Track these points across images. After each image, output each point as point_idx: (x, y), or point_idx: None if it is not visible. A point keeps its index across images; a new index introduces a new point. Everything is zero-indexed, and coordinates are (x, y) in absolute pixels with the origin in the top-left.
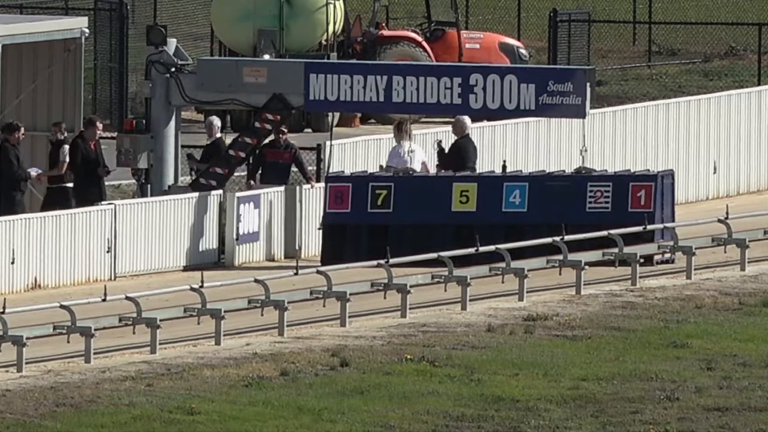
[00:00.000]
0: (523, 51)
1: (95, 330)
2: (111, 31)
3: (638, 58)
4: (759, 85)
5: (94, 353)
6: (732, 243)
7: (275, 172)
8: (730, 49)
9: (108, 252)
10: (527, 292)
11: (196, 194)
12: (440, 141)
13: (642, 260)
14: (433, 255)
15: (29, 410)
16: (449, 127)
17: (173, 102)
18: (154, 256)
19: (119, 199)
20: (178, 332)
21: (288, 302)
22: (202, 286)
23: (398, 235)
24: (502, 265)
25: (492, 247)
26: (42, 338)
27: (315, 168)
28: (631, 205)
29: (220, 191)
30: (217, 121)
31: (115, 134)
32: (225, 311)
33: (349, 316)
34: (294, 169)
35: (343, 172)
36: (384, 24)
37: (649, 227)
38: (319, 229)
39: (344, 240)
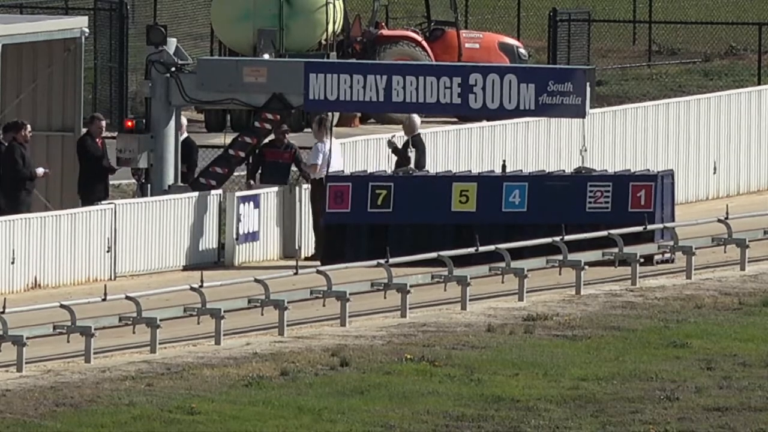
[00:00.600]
0: (522, 51)
1: (95, 330)
2: (111, 30)
3: (638, 58)
4: (759, 84)
5: (94, 353)
6: (732, 243)
7: (275, 171)
8: (730, 48)
9: (108, 252)
10: (527, 292)
11: (196, 194)
12: (392, 138)
13: (642, 260)
14: (432, 255)
15: (29, 410)
16: (449, 127)
17: (173, 102)
18: (154, 255)
19: (119, 199)
20: (178, 332)
21: (288, 302)
22: (201, 286)
23: (398, 234)
24: (502, 264)
25: (492, 247)
26: (42, 338)
27: None
28: (631, 205)
29: (220, 191)
30: (183, 120)
31: (115, 134)
32: (225, 311)
33: (349, 316)
34: (294, 168)
35: (342, 171)
36: (383, 24)
37: (649, 227)
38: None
39: (344, 240)
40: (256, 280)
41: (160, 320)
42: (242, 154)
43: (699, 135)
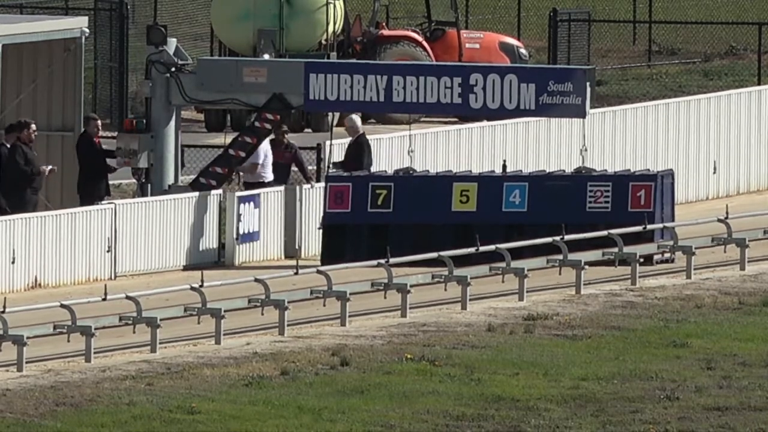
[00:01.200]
0: (523, 51)
1: (95, 329)
2: (111, 30)
3: (638, 58)
4: (759, 84)
5: (95, 352)
6: (732, 243)
7: (275, 171)
8: (730, 48)
9: (108, 251)
10: (527, 291)
11: (196, 194)
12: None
13: (642, 260)
14: (433, 255)
15: (29, 409)
16: (449, 127)
17: (173, 101)
18: (154, 255)
19: (119, 199)
20: (179, 331)
21: (288, 302)
22: (202, 286)
23: (398, 234)
24: (502, 264)
25: (492, 247)
26: (42, 337)
27: (315, 168)
28: (631, 205)
29: (220, 191)
30: (358, 120)
31: (115, 134)
32: (225, 311)
33: (350, 316)
34: (294, 168)
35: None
36: (384, 24)
37: (649, 227)
38: (319, 228)
39: (344, 240)
40: (257, 280)
41: (161, 320)
42: (242, 154)
43: (699, 135)
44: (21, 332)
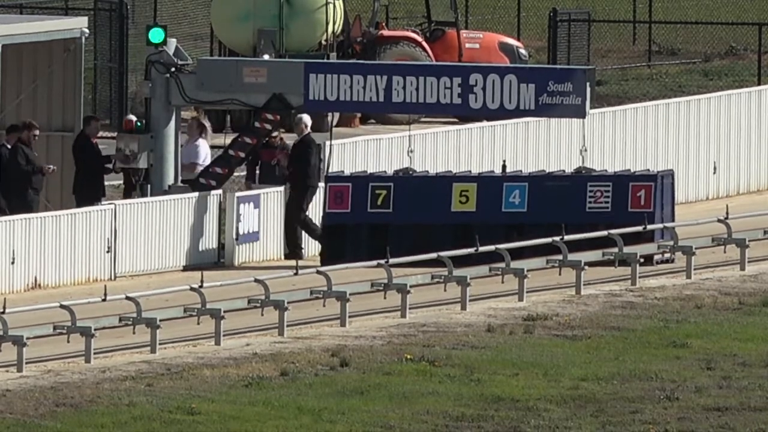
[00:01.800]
0: (522, 51)
1: (95, 330)
2: (111, 31)
3: (638, 58)
4: (759, 84)
5: (94, 353)
6: (732, 243)
7: (271, 172)
8: (730, 48)
9: (108, 252)
10: (527, 292)
11: (196, 194)
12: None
13: (642, 260)
14: (432, 255)
15: (29, 410)
16: (449, 127)
17: (173, 102)
18: (154, 256)
19: (119, 199)
20: (178, 332)
21: (288, 302)
22: (201, 286)
23: (398, 235)
24: (502, 265)
25: (492, 247)
26: (42, 338)
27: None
28: (631, 205)
29: (220, 191)
30: (307, 119)
31: (114, 134)
32: (225, 311)
33: (349, 316)
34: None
35: (342, 172)
36: (384, 24)
37: (649, 227)
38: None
39: (344, 240)
40: (256, 281)
41: (160, 320)
42: (242, 155)
43: (699, 135)
44: (21, 333)
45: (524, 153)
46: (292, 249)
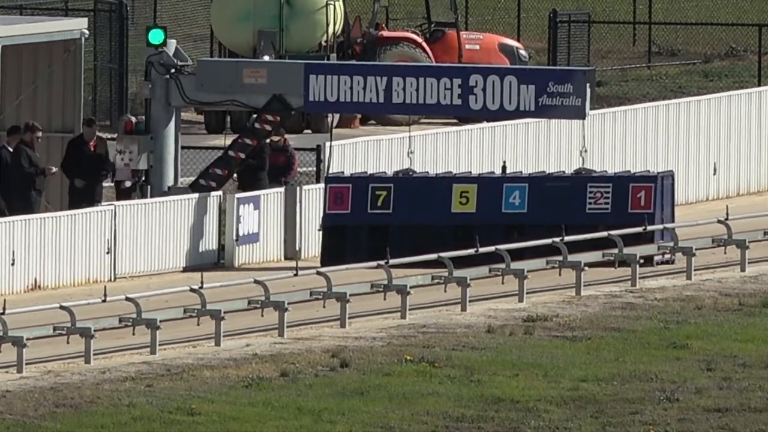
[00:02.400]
0: (522, 52)
1: (95, 331)
2: (111, 31)
3: (638, 59)
4: (759, 85)
5: (94, 354)
6: (732, 244)
7: (272, 175)
8: (730, 49)
9: (108, 253)
10: (527, 293)
11: (196, 195)
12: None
13: (642, 261)
14: (432, 256)
15: (29, 411)
16: (449, 128)
17: (173, 103)
18: (154, 257)
19: (119, 200)
20: (178, 333)
21: (288, 303)
22: (201, 287)
23: (398, 235)
24: (502, 266)
25: (492, 248)
26: (42, 339)
27: (315, 169)
28: (631, 206)
29: (220, 192)
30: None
31: (114, 135)
32: (225, 312)
33: (349, 317)
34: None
35: (342, 173)
36: (384, 25)
37: (649, 228)
38: (319, 230)
39: (344, 241)
40: (256, 282)
41: (160, 321)
42: (242, 156)
43: (699, 136)
44: (21, 334)
45: (524, 154)
46: None
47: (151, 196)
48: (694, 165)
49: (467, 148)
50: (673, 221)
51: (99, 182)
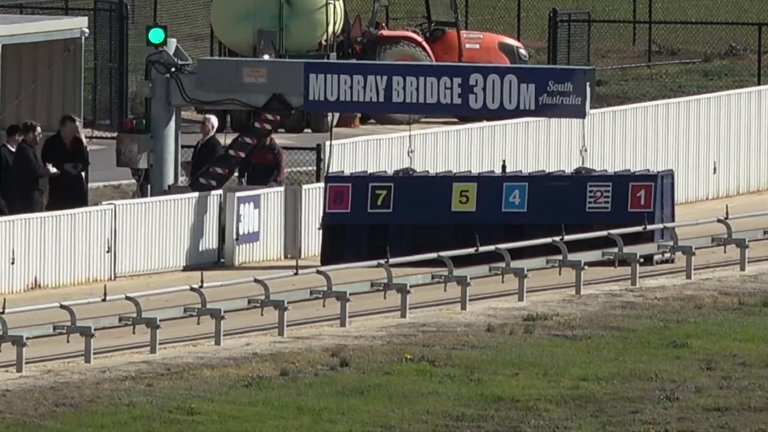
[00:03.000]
0: (522, 51)
1: (95, 330)
2: (111, 31)
3: (638, 58)
4: (759, 85)
5: (94, 353)
6: (732, 243)
7: (261, 173)
8: (730, 48)
9: (108, 252)
10: (527, 291)
11: (196, 194)
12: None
13: (642, 260)
14: (432, 255)
15: (29, 410)
16: (449, 127)
17: (173, 102)
18: (154, 256)
19: (119, 199)
20: (178, 332)
21: (288, 302)
22: (201, 286)
23: (398, 235)
24: (502, 264)
25: (492, 247)
26: (42, 338)
27: (315, 168)
28: (631, 205)
29: (220, 191)
30: (214, 120)
31: (114, 134)
32: (225, 311)
33: (349, 316)
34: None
35: (342, 172)
36: (384, 24)
37: (649, 227)
38: (318, 229)
39: (344, 240)
40: (256, 281)
41: (160, 320)
42: (242, 155)
43: (699, 135)
44: (21, 333)
45: (524, 153)
46: None
47: (151, 195)
48: (693, 164)
49: (467, 148)
50: (673, 220)
51: (80, 179)
